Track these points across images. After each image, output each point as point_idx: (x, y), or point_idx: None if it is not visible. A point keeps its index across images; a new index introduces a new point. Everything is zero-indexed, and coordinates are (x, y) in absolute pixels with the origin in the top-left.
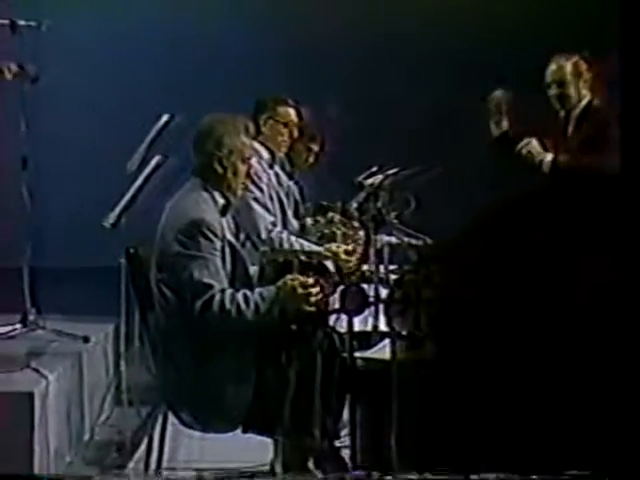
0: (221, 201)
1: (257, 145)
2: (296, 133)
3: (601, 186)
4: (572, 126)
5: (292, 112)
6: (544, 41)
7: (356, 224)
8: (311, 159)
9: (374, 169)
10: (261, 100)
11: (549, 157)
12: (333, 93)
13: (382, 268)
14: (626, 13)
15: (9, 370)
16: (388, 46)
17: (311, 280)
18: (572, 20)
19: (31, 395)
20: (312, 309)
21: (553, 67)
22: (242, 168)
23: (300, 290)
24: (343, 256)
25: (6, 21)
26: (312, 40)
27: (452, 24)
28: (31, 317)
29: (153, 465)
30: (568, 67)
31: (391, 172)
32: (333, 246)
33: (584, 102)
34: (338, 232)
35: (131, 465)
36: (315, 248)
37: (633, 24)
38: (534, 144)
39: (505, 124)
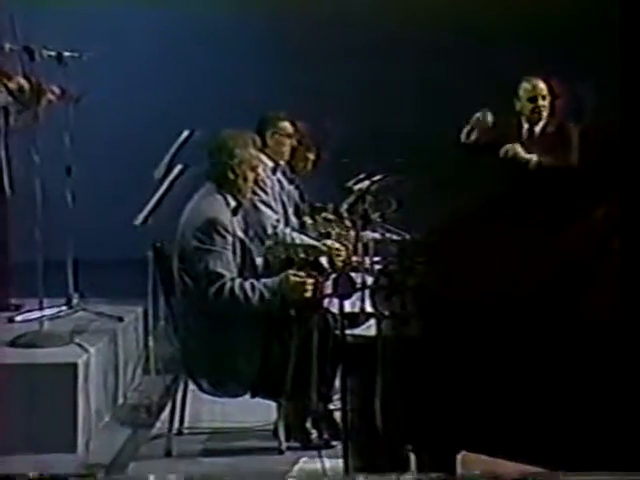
0: (232, 203)
1: (262, 156)
2: (295, 144)
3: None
4: (537, 136)
5: (291, 127)
6: (513, 63)
7: (347, 222)
8: (309, 167)
9: (362, 176)
10: (265, 117)
11: (535, 158)
12: (328, 109)
13: (368, 260)
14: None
15: (57, 345)
16: (378, 70)
17: (308, 277)
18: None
19: (75, 365)
20: (308, 296)
21: (528, 86)
22: (250, 175)
23: (298, 284)
24: (336, 249)
25: (53, 53)
26: (309, 63)
27: (436, 47)
28: (75, 300)
29: (176, 424)
30: (541, 86)
31: (376, 179)
32: (328, 241)
33: (545, 119)
34: (332, 230)
35: (158, 424)
36: (312, 242)
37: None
38: (519, 149)
39: (474, 137)
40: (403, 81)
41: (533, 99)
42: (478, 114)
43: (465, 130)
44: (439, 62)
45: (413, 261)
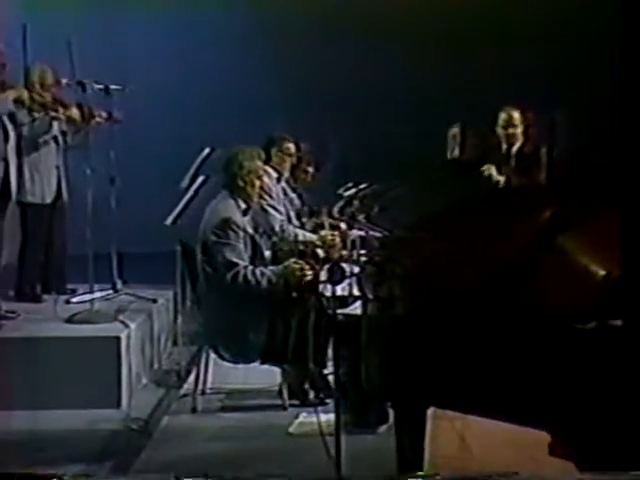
0: (243, 205)
1: (268, 168)
2: (295, 160)
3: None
4: (514, 158)
5: (293, 146)
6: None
7: (338, 222)
8: (308, 178)
9: (350, 185)
10: (272, 137)
11: (502, 179)
12: (326, 131)
13: (355, 253)
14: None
15: (104, 322)
16: (371, 100)
17: (306, 266)
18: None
19: (118, 339)
20: (306, 282)
21: (505, 115)
22: (257, 183)
23: (298, 271)
24: (329, 243)
25: (102, 86)
26: (309, 92)
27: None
28: (118, 286)
29: (200, 386)
30: (516, 116)
31: (361, 187)
32: (322, 233)
33: (519, 142)
34: (326, 224)
35: (185, 386)
36: (310, 237)
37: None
38: (493, 170)
39: (456, 152)
40: (390, 109)
41: (508, 126)
42: (452, 131)
43: (449, 148)
44: (428, 89)
45: (391, 254)
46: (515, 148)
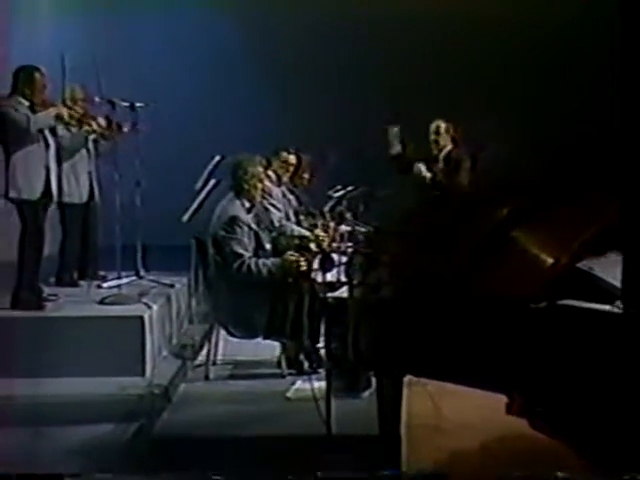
0: (247, 205)
1: (270, 172)
2: (293, 169)
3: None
4: (441, 160)
5: (292, 157)
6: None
7: (328, 219)
8: (304, 183)
9: (338, 187)
10: (276, 149)
11: (429, 175)
12: (320, 143)
13: (343, 245)
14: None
15: (130, 303)
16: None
17: (301, 257)
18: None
19: (142, 318)
20: (301, 270)
21: (434, 125)
22: (259, 185)
23: (295, 261)
24: (321, 237)
25: (127, 103)
26: (307, 109)
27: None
28: (142, 273)
29: (212, 357)
30: (442, 126)
31: (348, 189)
32: (316, 231)
33: (448, 148)
34: (319, 224)
35: (199, 358)
36: (305, 232)
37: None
38: (422, 167)
39: (397, 149)
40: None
41: (436, 134)
42: (392, 129)
43: (392, 144)
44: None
45: (374, 246)
46: (443, 153)
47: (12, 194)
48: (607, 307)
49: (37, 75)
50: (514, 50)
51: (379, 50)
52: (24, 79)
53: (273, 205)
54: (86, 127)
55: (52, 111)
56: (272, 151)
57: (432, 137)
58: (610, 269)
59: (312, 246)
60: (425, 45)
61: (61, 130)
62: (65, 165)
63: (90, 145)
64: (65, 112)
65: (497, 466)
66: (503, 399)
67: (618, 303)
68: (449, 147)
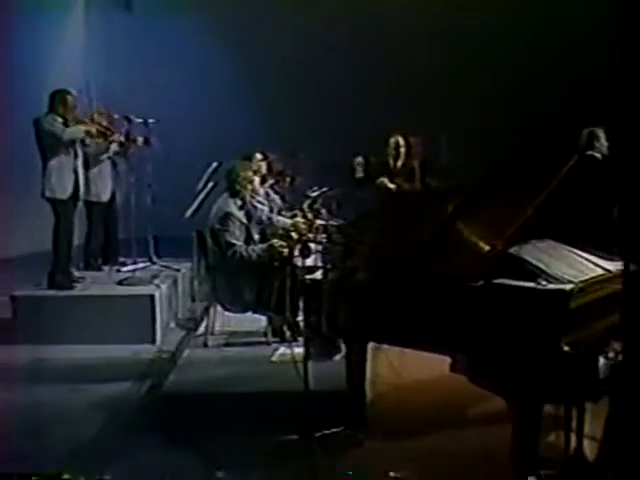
0: (239, 203)
1: (256, 176)
2: (275, 173)
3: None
4: (399, 170)
5: (280, 165)
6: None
7: (307, 214)
8: (287, 184)
9: (315, 188)
10: (248, 155)
11: (392, 186)
12: (299, 149)
13: (318, 236)
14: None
15: (143, 284)
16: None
17: (284, 245)
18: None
19: (153, 296)
20: (284, 256)
21: (393, 140)
22: (248, 187)
23: (278, 248)
24: (300, 229)
25: (141, 120)
26: (289, 119)
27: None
28: (154, 259)
29: (210, 329)
30: (400, 141)
31: (323, 190)
32: (296, 219)
33: (404, 158)
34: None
35: (200, 329)
36: (287, 225)
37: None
38: (386, 180)
39: (360, 174)
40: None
41: (395, 148)
42: (357, 160)
43: (357, 171)
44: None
45: (344, 237)
46: (399, 163)
47: (47, 194)
48: (531, 284)
49: (69, 97)
50: (463, 68)
51: (362, 67)
52: (59, 100)
53: (260, 202)
54: (109, 139)
55: (82, 127)
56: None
57: (392, 151)
58: (533, 253)
59: (293, 235)
60: (394, 61)
61: (88, 141)
62: (93, 171)
63: (111, 154)
64: (93, 128)
65: (441, 411)
66: (447, 360)
67: (540, 280)
68: (405, 157)
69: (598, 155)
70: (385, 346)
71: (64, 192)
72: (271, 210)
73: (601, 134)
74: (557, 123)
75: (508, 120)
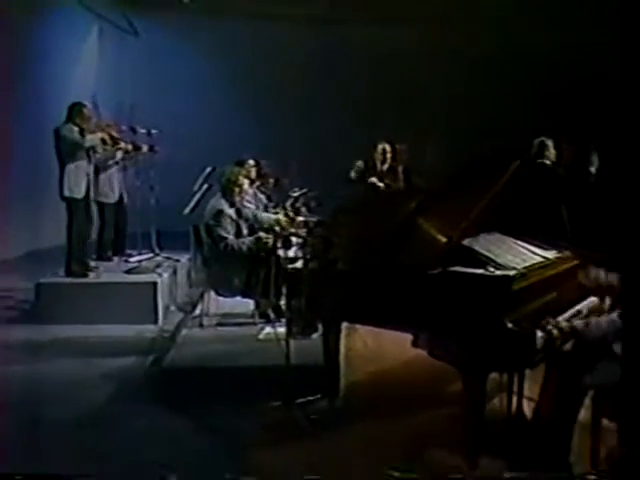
0: (230, 202)
1: (246, 180)
2: (259, 175)
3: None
4: (385, 172)
5: (254, 165)
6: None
7: (289, 212)
8: (271, 185)
9: (296, 189)
10: (241, 160)
11: (381, 184)
12: (285, 154)
13: (299, 231)
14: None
15: (148, 273)
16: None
17: (269, 237)
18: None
19: (155, 283)
20: (269, 247)
21: (380, 147)
22: (237, 189)
23: (264, 240)
24: (283, 224)
25: (145, 130)
26: (275, 126)
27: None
28: (157, 251)
29: (205, 311)
30: (387, 147)
31: (303, 191)
32: (278, 216)
33: (389, 163)
34: (282, 213)
35: (196, 311)
36: (272, 221)
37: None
38: (375, 180)
39: (353, 176)
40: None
41: (382, 153)
42: (358, 163)
43: (352, 172)
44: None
45: (322, 231)
46: (386, 166)
47: (66, 193)
48: (481, 271)
49: (85, 110)
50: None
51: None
52: (76, 112)
53: (248, 201)
54: (117, 146)
55: (99, 135)
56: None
57: (379, 156)
58: (483, 245)
59: (277, 229)
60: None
61: (99, 149)
62: (102, 176)
63: (119, 161)
64: (107, 136)
65: (405, 380)
66: (410, 337)
67: (488, 267)
68: (390, 162)
69: (547, 162)
70: (357, 325)
71: (79, 192)
72: (257, 208)
73: (550, 143)
74: (521, 133)
75: (480, 132)
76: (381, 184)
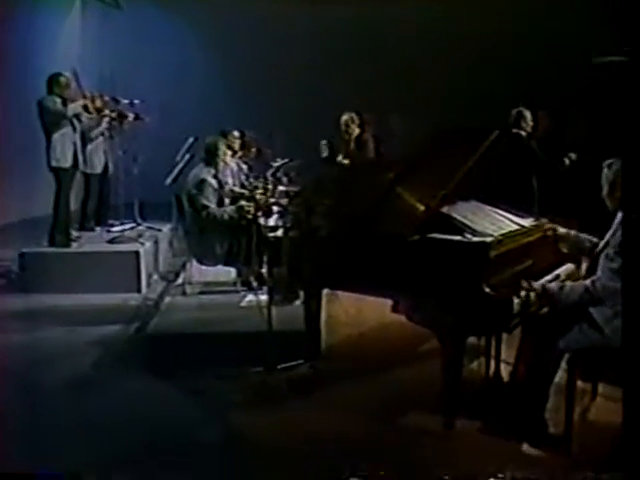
0: (212, 171)
1: (229, 150)
2: (242, 145)
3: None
4: (352, 144)
5: (238, 134)
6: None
7: (270, 181)
8: (253, 155)
9: (278, 159)
10: (224, 130)
11: (346, 161)
12: (268, 125)
13: (280, 200)
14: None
15: (130, 242)
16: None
17: (251, 206)
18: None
19: (138, 253)
20: (250, 216)
21: (345, 117)
22: (220, 159)
23: (246, 209)
24: (264, 193)
25: (127, 100)
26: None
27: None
28: (139, 221)
29: (187, 279)
30: (354, 117)
31: (285, 161)
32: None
33: (356, 133)
34: (259, 186)
35: (179, 280)
36: (253, 190)
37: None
38: (341, 158)
39: (324, 154)
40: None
41: (346, 124)
42: (322, 142)
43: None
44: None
45: (301, 200)
46: (353, 136)
47: (53, 163)
48: (458, 237)
49: (62, 78)
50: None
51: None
52: (55, 82)
53: (230, 170)
54: (102, 114)
55: (81, 102)
56: (220, 132)
57: (343, 127)
58: (460, 212)
59: (258, 199)
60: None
61: (83, 117)
62: (89, 147)
63: (105, 130)
64: (89, 103)
65: (383, 344)
66: (389, 302)
67: (466, 234)
68: (357, 132)
69: (523, 133)
70: (339, 293)
71: (65, 161)
72: (240, 178)
73: (527, 114)
74: (499, 103)
75: (457, 102)
76: (346, 161)
